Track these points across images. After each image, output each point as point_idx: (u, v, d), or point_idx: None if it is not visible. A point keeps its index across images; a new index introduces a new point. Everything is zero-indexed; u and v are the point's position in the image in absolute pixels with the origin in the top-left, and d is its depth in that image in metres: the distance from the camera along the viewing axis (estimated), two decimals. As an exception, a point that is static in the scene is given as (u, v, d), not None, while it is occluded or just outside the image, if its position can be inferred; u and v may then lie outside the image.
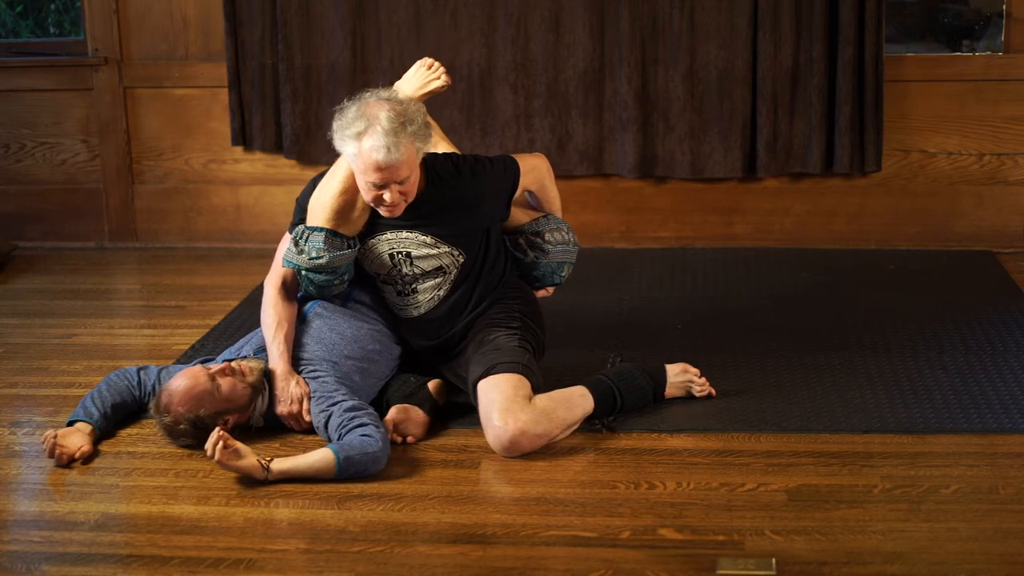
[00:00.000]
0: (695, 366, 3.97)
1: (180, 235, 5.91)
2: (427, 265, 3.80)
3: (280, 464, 3.42)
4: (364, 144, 3.50)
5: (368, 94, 3.62)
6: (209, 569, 3.02)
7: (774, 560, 2.97)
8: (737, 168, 5.51)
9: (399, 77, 4.02)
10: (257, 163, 5.81)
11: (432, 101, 4.05)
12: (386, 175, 3.52)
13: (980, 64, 5.42)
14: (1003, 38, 5.39)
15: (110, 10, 5.70)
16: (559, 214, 4.07)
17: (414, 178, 3.59)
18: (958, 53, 5.47)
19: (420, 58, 3.96)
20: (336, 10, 5.52)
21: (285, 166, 5.77)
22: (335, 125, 3.58)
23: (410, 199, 3.63)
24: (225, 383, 3.61)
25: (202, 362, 3.82)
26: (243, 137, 5.75)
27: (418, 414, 3.72)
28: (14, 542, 3.21)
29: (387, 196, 3.57)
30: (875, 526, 3.13)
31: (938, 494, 3.29)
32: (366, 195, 3.61)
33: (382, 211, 3.64)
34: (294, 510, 3.30)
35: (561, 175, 5.52)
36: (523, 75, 5.52)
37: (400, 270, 3.81)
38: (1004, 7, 5.38)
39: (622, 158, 5.54)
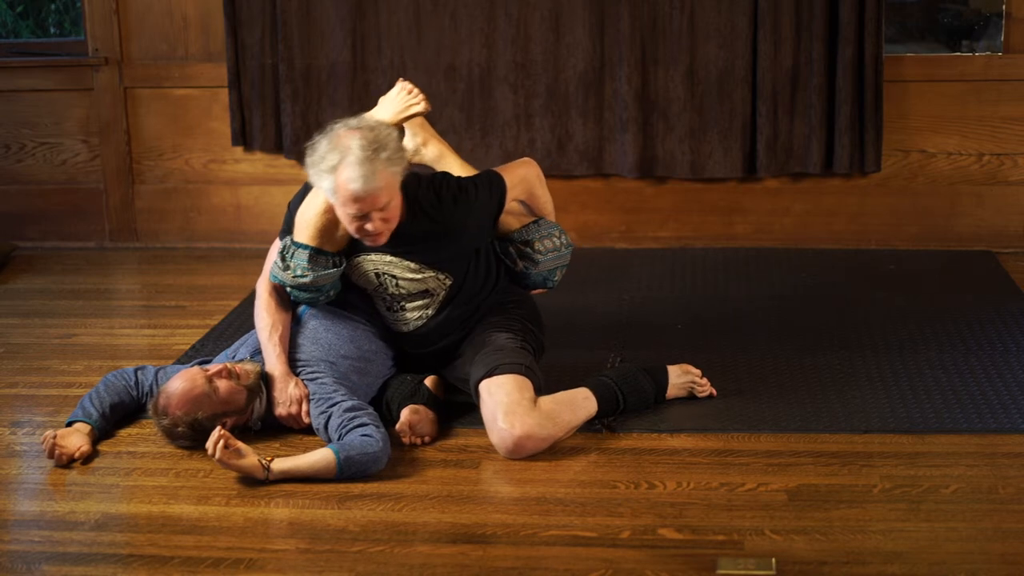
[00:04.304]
0: (695, 366, 3.97)
1: (180, 235, 5.91)
2: (412, 288, 3.76)
3: (280, 464, 3.42)
4: (340, 176, 3.44)
5: (338, 125, 3.54)
6: (209, 569, 3.02)
7: (774, 560, 2.97)
8: (737, 168, 5.51)
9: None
10: (257, 163, 5.81)
11: (433, 102, 4.03)
12: (365, 205, 3.47)
13: (980, 64, 5.42)
14: (1003, 38, 5.39)
15: (110, 10, 5.70)
16: (552, 218, 4.00)
17: (395, 203, 3.54)
18: (958, 53, 5.47)
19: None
20: (336, 10, 5.52)
21: (285, 166, 5.77)
22: (308, 161, 3.52)
23: (394, 224, 3.58)
24: (223, 385, 3.60)
25: (200, 363, 3.82)
26: (243, 137, 5.74)
27: (428, 412, 3.72)
28: (14, 542, 3.21)
29: (370, 226, 3.51)
30: (875, 526, 3.13)
31: (938, 494, 3.29)
32: (349, 227, 3.55)
33: (367, 241, 3.59)
34: (294, 510, 3.30)
35: (561, 175, 5.54)
36: (523, 75, 5.51)
37: (386, 288, 3.77)
38: (1004, 7, 5.38)
39: (622, 158, 5.54)
